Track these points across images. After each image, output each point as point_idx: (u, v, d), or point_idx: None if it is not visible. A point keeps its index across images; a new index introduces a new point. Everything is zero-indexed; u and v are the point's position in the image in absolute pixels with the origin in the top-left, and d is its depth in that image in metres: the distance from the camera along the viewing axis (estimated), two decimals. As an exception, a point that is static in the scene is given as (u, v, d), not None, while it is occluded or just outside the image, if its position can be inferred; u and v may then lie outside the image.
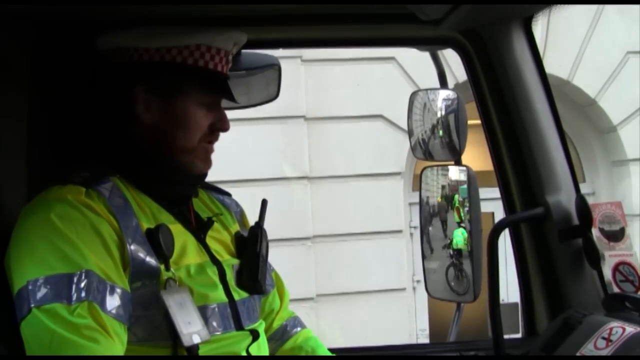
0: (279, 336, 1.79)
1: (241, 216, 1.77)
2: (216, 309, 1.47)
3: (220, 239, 1.61)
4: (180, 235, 1.49)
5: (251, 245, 1.63)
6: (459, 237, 1.84)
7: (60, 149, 1.72)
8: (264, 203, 1.72)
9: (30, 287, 1.30)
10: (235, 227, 1.69)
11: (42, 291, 1.29)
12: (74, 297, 1.29)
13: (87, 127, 1.64)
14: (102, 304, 1.31)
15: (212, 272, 1.51)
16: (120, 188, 1.47)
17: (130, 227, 1.41)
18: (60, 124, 1.71)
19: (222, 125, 1.57)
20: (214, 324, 1.46)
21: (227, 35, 1.55)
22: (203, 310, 1.44)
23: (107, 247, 1.37)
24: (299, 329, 1.83)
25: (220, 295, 1.50)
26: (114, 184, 1.47)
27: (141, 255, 1.40)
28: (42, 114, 1.69)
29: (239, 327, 1.52)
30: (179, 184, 1.56)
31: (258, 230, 1.65)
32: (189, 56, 1.51)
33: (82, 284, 1.30)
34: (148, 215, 1.48)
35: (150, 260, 1.41)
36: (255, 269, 1.59)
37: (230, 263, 1.58)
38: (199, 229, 1.58)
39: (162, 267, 1.42)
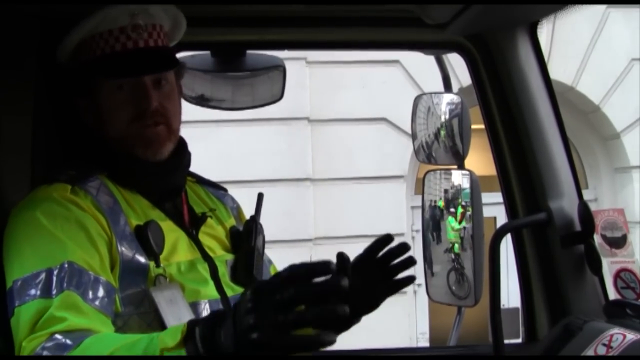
0: None
1: (238, 212, 1.76)
2: (207, 305, 1.46)
3: (213, 235, 1.60)
4: (171, 232, 1.48)
5: (246, 239, 1.62)
6: (451, 231, 1.85)
7: (64, 146, 1.72)
8: (260, 197, 1.70)
9: (15, 287, 1.30)
10: (230, 222, 1.67)
11: (25, 290, 1.29)
12: (54, 291, 1.27)
13: (83, 127, 1.65)
14: (84, 294, 1.29)
15: (203, 269, 1.50)
16: (107, 186, 1.47)
17: (119, 225, 1.41)
18: (63, 121, 1.71)
19: (144, 104, 1.48)
20: None
21: (101, 16, 1.49)
22: (195, 307, 1.43)
23: (92, 241, 1.36)
24: None
25: (211, 291, 1.49)
26: (102, 182, 1.47)
27: (130, 253, 1.40)
28: (47, 111, 1.69)
29: None
30: (143, 175, 1.51)
31: (253, 224, 1.64)
32: (87, 51, 1.51)
33: (62, 275, 1.29)
34: (138, 213, 1.47)
35: (139, 257, 1.40)
36: (250, 264, 1.58)
37: (224, 259, 1.56)
38: (192, 224, 1.57)
39: (152, 264, 1.41)
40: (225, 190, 1.78)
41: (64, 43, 1.53)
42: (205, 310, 1.45)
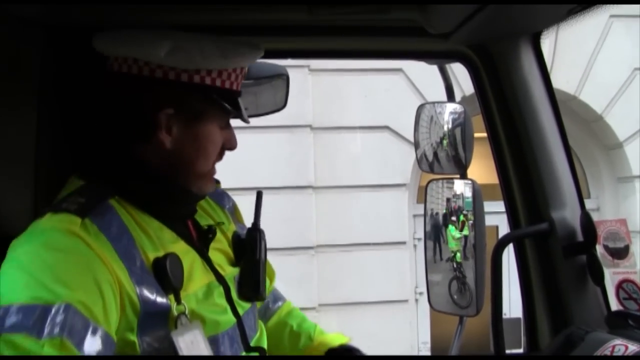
0: (262, 314, 1.76)
1: (234, 209, 1.73)
2: (226, 336, 1.44)
3: (221, 249, 1.57)
4: (185, 255, 1.42)
5: (250, 251, 1.59)
6: (452, 240, 1.85)
7: (68, 155, 1.72)
8: (259, 195, 1.65)
9: (1, 313, 1.17)
10: (231, 229, 1.64)
11: (12, 319, 1.16)
12: (46, 331, 1.15)
13: (94, 137, 1.63)
14: (80, 344, 1.17)
15: (219, 294, 1.46)
16: (118, 212, 1.36)
17: (136, 267, 1.31)
18: (68, 129, 1.72)
19: (231, 144, 1.51)
20: (225, 353, 1.44)
21: (259, 53, 1.49)
22: (215, 342, 1.40)
23: (98, 286, 1.23)
24: (280, 303, 1.84)
25: (229, 318, 1.47)
26: (113, 209, 1.35)
27: (151, 295, 1.31)
28: (50, 118, 1.69)
29: (247, 345, 1.51)
30: (182, 203, 1.49)
31: (256, 233, 1.61)
32: (217, 77, 1.42)
33: (58, 319, 1.16)
34: (151, 238, 1.38)
35: (162, 300, 1.32)
36: (256, 279, 1.56)
37: (232, 276, 1.54)
38: (200, 240, 1.52)
39: (172, 298, 1.34)
40: (217, 182, 1.68)
41: (183, 52, 1.37)
42: (224, 342, 1.43)
